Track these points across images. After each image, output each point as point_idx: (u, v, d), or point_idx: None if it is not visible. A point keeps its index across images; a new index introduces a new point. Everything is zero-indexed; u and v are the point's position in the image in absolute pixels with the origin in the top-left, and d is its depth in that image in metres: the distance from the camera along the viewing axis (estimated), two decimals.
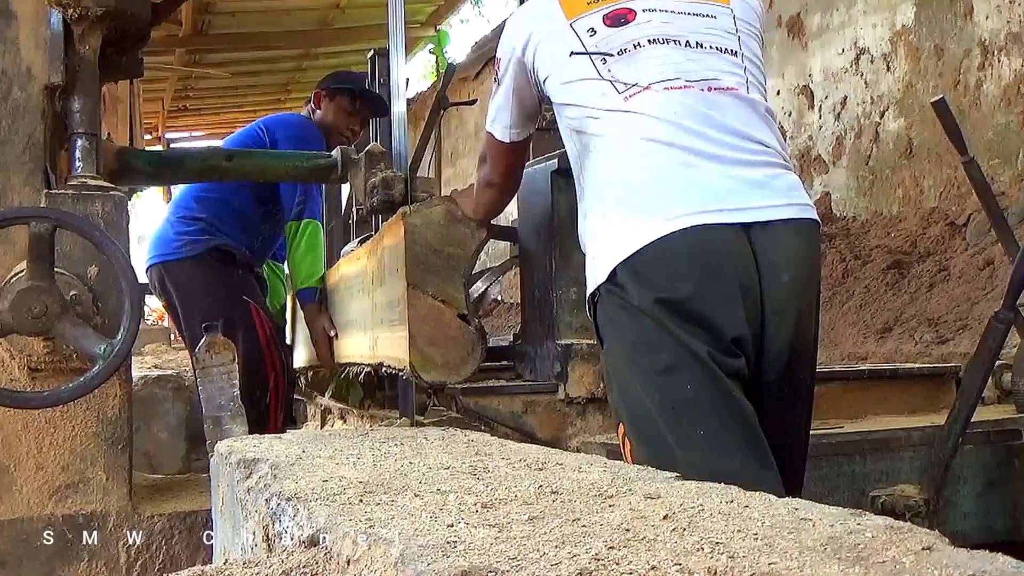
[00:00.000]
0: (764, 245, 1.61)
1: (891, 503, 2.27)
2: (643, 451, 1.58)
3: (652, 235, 1.58)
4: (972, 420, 2.32)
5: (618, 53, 1.76)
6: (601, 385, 2.41)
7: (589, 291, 1.72)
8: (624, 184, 1.67)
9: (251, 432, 3.20)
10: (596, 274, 1.68)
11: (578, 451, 2.17)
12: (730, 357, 1.57)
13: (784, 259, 1.64)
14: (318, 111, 3.72)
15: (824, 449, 2.30)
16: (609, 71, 1.76)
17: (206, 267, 3.42)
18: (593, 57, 1.80)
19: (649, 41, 1.75)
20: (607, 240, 1.66)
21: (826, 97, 6.20)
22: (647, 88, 1.70)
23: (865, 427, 2.55)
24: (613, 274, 1.62)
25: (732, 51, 1.77)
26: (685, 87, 1.68)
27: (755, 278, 1.61)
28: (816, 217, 1.73)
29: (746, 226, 1.61)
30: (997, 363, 2.56)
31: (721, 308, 1.58)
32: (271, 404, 3.41)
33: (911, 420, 2.66)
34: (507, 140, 1.99)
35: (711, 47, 1.75)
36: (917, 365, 3.31)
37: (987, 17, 5.05)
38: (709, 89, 1.69)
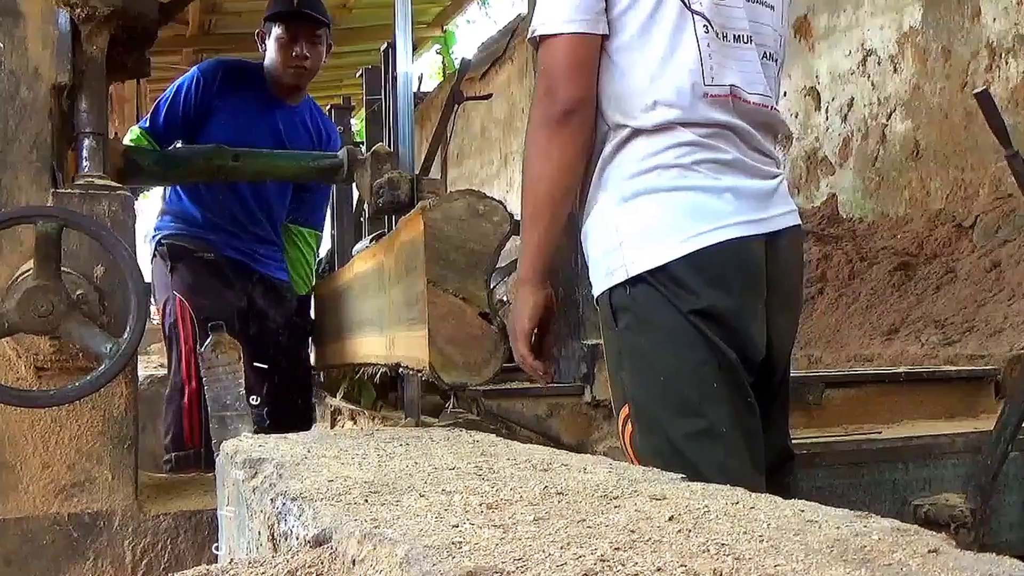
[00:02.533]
0: (774, 255, 1.62)
1: (935, 513, 2.18)
2: (648, 438, 1.59)
3: (702, 242, 1.53)
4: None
5: (722, 37, 1.53)
6: None
7: (616, 280, 1.59)
8: (678, 179, 1.55)
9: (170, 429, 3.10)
10: (634, 261, 1.56)
11: (605, 456, 2.12)
12: (747, 367, 1.59)
13: (785, 269, 1.65)
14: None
15: (865, 456, 2.23)
16: (708, 47, 1.52)
17: (152, 263, 3.39)
18: (696, 19, 1.50)
19: (746, 39, 1.58)
20: (649, 233, 1.55)
21: (833, 99, 6.19)
22: (731, 95, 1.56)
23: (903, 432, 2.45)
24: (657, 270, 1.54)
25: (777, 59, 1.70)
26: (751, 104, 1.60)
27: (765, 289, 1.61)
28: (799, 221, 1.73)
29: (764, 236, 1.61)
30: None
31: (752, 323, 1.58)
32: (184, 406, 3.13)
33: (951, 425, 2.54)
34: (591, 31, 1.49)
35: (768, 56, 1.66)
36: (955, 368, 3.15)
37: (994, 19, 5.04)
38: (762, 107, 1.64)
